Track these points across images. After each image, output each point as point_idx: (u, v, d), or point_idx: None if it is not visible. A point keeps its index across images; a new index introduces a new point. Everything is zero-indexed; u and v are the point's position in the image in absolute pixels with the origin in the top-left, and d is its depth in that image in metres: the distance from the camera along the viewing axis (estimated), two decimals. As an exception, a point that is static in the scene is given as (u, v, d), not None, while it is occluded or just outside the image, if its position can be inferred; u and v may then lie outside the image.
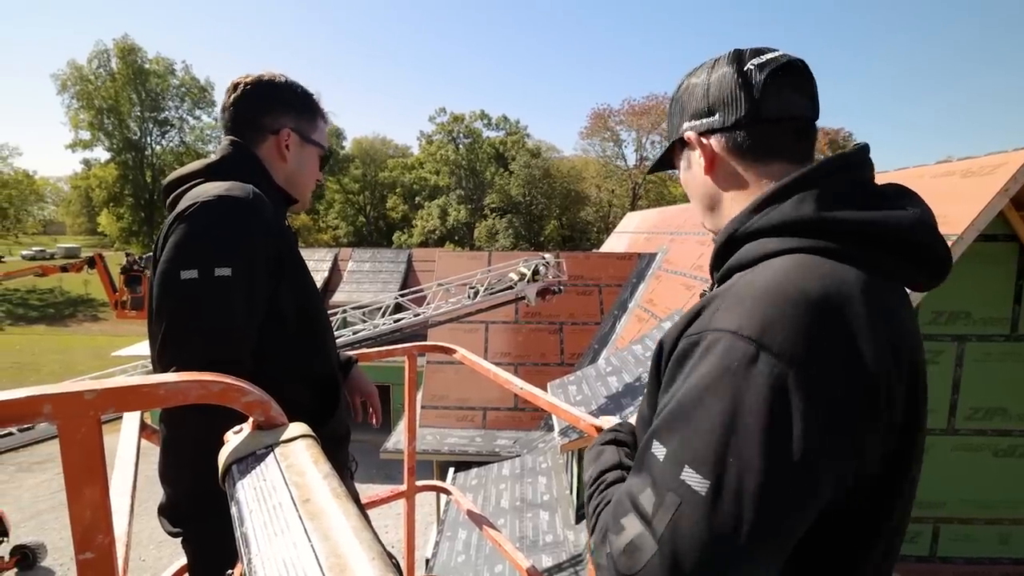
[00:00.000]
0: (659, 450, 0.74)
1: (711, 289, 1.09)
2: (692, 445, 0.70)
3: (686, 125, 1.03)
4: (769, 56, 0.94)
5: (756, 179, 0.96)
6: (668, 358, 0.85)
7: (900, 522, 0.82)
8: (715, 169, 1.00)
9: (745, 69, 0.94)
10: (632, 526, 0.73)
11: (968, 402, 5.13)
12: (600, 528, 0.82)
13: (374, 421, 2.02)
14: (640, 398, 6.75)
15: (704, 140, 1.00)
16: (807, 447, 0.67)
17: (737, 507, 0.66)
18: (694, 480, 0.68)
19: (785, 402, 0.67)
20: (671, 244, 12.80)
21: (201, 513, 1.30)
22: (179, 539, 1.38)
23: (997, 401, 5.11)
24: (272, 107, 1.59)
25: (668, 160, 1.17)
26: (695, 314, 0.83)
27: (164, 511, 1.38)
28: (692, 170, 1.06)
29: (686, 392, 0.74)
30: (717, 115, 0.97)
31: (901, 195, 0.88)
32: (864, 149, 0.92)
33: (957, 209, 4.34)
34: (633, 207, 45.65)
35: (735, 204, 0.98)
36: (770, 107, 0.93)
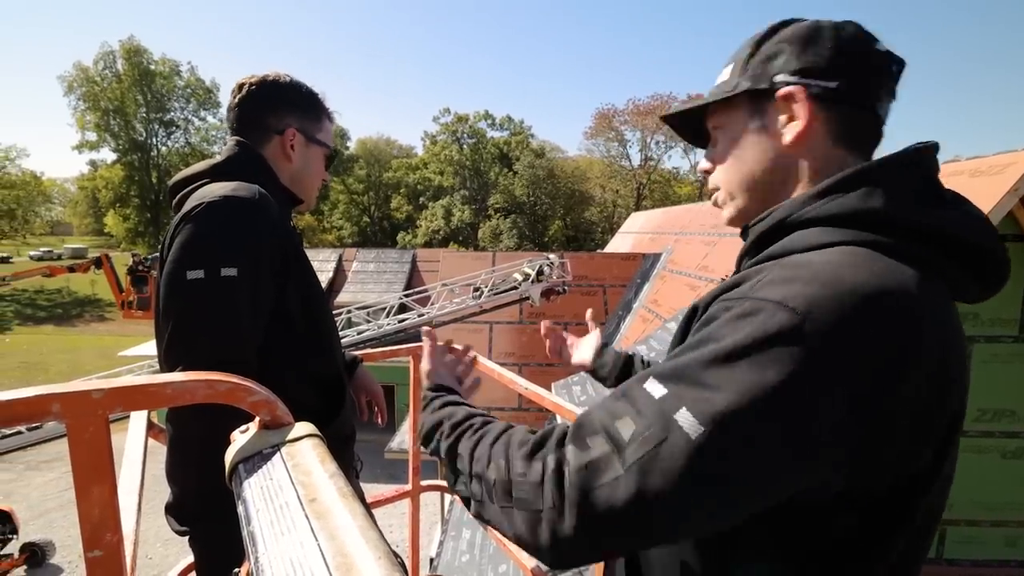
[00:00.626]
0: (655, 388, 0.69)
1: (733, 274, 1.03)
2: (700, 395, 0.65)
3: (785, 78, 0.85)
4: (891, 50, 0.85)
5: (832, 168, 0.84)
6: (698, 318, 0.80)
7: (923, 523, 0.77)
8: (806, 143, 0.85)
9: (880, 50, 0.84)
10: (598, 447, 0.68)
11: (976, 403, 5.07)
12: (524, 444, 0.78)
13: (379, 420, 2.02)
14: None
15: (810, 104, 0.84)
16: (820, 431, 0.63)
17: (722, 461, 0.63)
18: (688, 423, 0.63)
19: (816, 383, 0.63)
20: (676, 244, 12.77)
21: (207, 512, 1.31)
22: (186, 537, 1.39)
23: (1005, 403, 5.06)
24: (276, 107, 1.59)
25: (696, 114, 1.01)
26: (734, 283, 0.77)
27: (171, 510, 1.39)
28: (767, 133, 0.89)
29: (711, 348, 0.68)
30: (838, 83, 0.82)
31: (961, 201, 0.81)
32: (934, 147, 0.83)
33: (965, 209, 4.27)
34: (638, 207, 45.64)
35: (805, 189, 0.86)
36: (884, 100, 0.85)
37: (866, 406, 0.64)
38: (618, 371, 1.58)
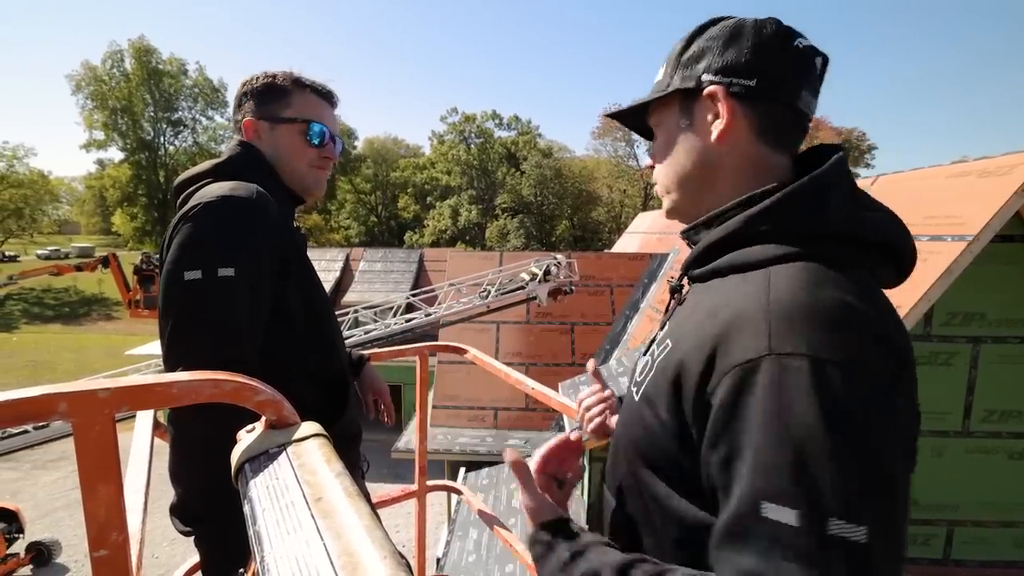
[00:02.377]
0: (782, 513, 0.62)
1: (678, 281, 1.02)
2: (829, 494, 0.60)
3: (709, 77, 0.88)
4: (813, 44, 0.87)
5: (759, 164, 0.89)
6: (699, 384, 0.74)
7: None
8: (729, 139, 0.88)
9: (799, 45, 0.86)
10: None
11: (983, 404, 5.08)
12: None
13: (386, 419, 2.02)
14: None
15: (730, 102, 0.87)
16: (912, 455, 0.69)
17: (895, 532, 0.62)
18: (847, 530, 0.59)
19: (891, 416, 0.65)
20: (683, 245, 12.69)
21: (212, 512, 1.30)
22: (191, 537, 1.38)
23: (1012, 403, 5.06)
24: (239, 105, 1.63)
25: (639, 112, 1.03)
26: (722, 333, 0.74)
27: (175, 510, 1.38)
28: (691, 132, 0.93)
29: (787, 434, 0.63)
30: (756, 80, 0.85)
31: (871, 199, 0.87)
32: (847, 152, 0.88)
33: (973, 209, 4.31)
34: (645, 207, 45.53)
35: (728, 184, 0.90)
36: (805, 96, 0.87)
37: (909, 406, 0.71)
38: None
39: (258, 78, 1.62)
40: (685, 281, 0.99)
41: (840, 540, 0.59)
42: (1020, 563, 5.25)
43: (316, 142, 1.64)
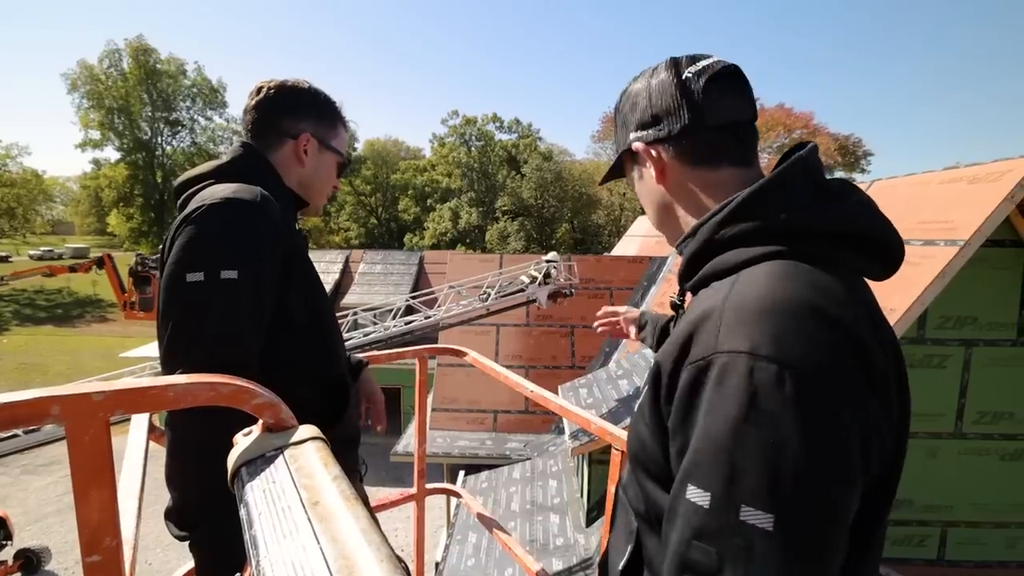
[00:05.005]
0: (698, 495, 0.69)
1: (679, 296, 1.13)
2: (742, 482, 0.65)
3: (632, 136, 1.03)
4: (705, 63, 0.95)
5: (706, 185, 0.97)
6: (669, 384, 0.80)
7: (887, 513, 0.82)
8: (666, 178, 1.01)
9: (684, 77, 0.95)
10: None
11: (975, 406, 5.13)
12: None
13: (379, 428, 2.00)
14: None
15: (652, 150, 1.00)
16: (851, 458, 0.67)
17: (808, 531, 0.64)
18: (756, 517, 0.64)
19: (824, 416, 0.66)
20: (681, 247, 12.74)
21: (208, 516, 1.29)
22: (186, 542, 1.37)
23: (1004, 405, 5.11)
24: (293, 112, 1.60)
25: (619, 170, 1.16)
26: (689, 335, 0.79)
27: (170, 515, 1.37)
28: (644, 180, 1.06)
29: (716, 426, 0.69)
30: (662, 124, 0.97)
31: (849, 191, 0.89)
32: (815, 149, 0.91)
33: (964, 215, 4.36)
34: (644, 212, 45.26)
35: (689, 211, 1.00)
36: (712, 114, 0.94)
37: (867, 408, 0.70)
38: (656, 340, 1.65)
39: (317, 94, 1.65)
40: (687, 296, 1.04)
41: (746, 526, 0.64)
42: (1013, 563, 5.28)
43: (339, 177, 1.75)
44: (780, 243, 0.81)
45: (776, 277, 0.76)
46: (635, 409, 0.98)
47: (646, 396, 0.89)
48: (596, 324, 1.91)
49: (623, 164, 1.14)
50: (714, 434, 0.69)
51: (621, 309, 1.87)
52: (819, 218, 0.82)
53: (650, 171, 1.02)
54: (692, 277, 0.94)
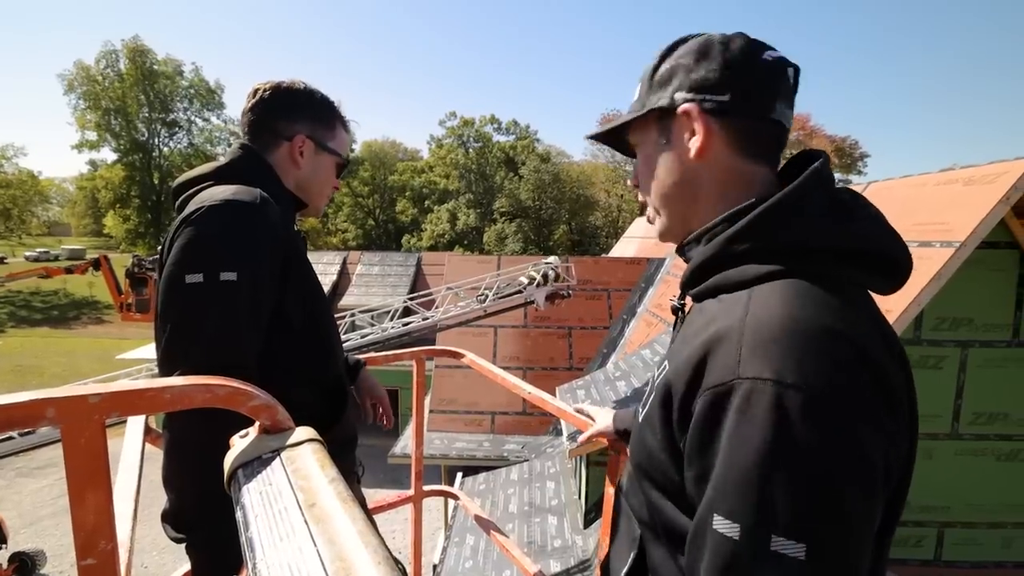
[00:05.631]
0: (726, 526, 0.67)
1: (679, 300, 1.04)
2: (772, 513, 0.63)
3: (682, 96, 0.89)
4: (781, 54, 0.89)
5: (740, 177, 0.90)
6: (682, 407, 0.78)
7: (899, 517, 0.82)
8: (707, 155, 0.89)
9: (767, 58, 0.87)
10: None
11: (971, 407, 5.15)
12: None
13: (386, 423, 2.01)
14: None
15: (704, 120, 0.88)
16: (877, 477, 0.66)
17: (841, 557, 0.63)
18: (788, 548, 0.62)
19: (850, 443, 0.65)
20: (679, 248, 12.75)
21: (205, 519, 1.29)
22: (182, 545, 1.37)
23: (1000, 406, 5.13)
24: (288, 113, 1.59)
25: (620, 132, 1.04)
26: (702, 356, 0.76)
27: (167, 517, 1.36)
28: (673, 150, 0.93)
29: (742, 457, 0.67)
30: (727, 95, 0.86)
31: (860, 205, 0.86)
32: (827, 160, 0.87)
33: (959, 217, 4.37)
34: (642, 212, 45.17)
35: (710, 199, 0.92)
36: (774, 108, 0.87)
37: (886, 427, 0.69)
38: None
39: (313, 95, 1.64)
40: (687, 300, 1.00)
41: (778, 556, 0.62)
42: (1009, 563, 5.30)
43: (339, 177, 1.73)
44: (794, 261, 0.79)
45: (792, 298, 0.74)
46: (639, 417, 0.96)
47: (656, 413, 0.85)
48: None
49: (635, 126, 1.00)
50: (740, 464, 0.67)
51: (592, 422, 1.78)
52: (835, 239, 0.79)
53: (686, 141, 0.91)
54: (697, 285, 0.91)
